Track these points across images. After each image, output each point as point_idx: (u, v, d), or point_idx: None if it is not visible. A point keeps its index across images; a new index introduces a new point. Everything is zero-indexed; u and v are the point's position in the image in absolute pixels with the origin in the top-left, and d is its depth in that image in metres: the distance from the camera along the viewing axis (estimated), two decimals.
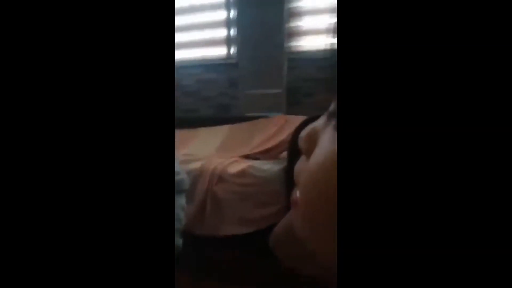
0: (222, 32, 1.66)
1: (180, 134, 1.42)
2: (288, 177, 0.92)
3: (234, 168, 0.97)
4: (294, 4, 1.50)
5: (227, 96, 1.65)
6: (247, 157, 1.14)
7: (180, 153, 1.31)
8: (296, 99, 1.52)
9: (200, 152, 1.24)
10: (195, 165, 1.01)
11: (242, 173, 0.95)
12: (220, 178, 0.95)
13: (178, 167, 0.46)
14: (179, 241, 0.43)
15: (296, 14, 1.50)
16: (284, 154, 1.06)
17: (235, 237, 0.88)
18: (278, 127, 1.29)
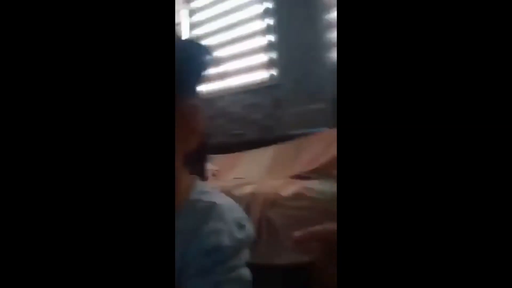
0: (262, 57, 1.69)
1: (228, 158, 1.44)
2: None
3: (287, 191, 0.94)
4: (330, 16, 1.48)
5: (272, 117, 1.65)
6: (298, 177, 1.11)
7: (230, 177, 1.32)
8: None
9: (249, 174, 1.23)
10: (247, 189, 1.00)
11: (296, 196, 0.91)
12: (274, 202, 0.93)
13: (242, 214, 0.39)
14: None
15: (334, 25, 1.47)
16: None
17: (292, 266, 0.83)
18: (326, 143, 1.24)
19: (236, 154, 1.45)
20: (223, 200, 0.39)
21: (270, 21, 1.66)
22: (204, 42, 1.84)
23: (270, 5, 1.66)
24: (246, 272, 0.38)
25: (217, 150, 1.40)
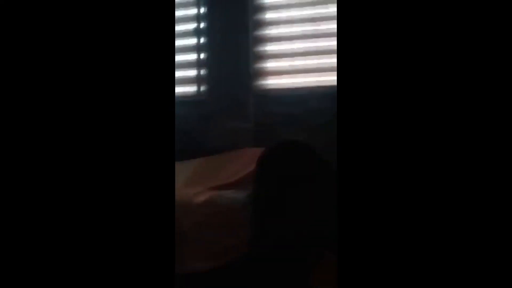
0: (192, 72, 1.73)
1: None
2: (255, 204, 0.93)
3: (199, 198, 0.96)
4: (260, 48, 1.63)
5: (197, 130, 1.67)
6: (214, 188, 1.14)
7: None
8: (262, 133, 1.57)
9: None
10: None
11: (207, 203, 0.94)
12: (186, 209, 0.94)
13: None
14: None
15: (261, 57, 1.62)
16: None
17: (201, 274, 0.84)
18: (245, 160, 1.32)
19: None
20: None
21: (202, 38, 1.73)
22: None
23: (202, 24, 1.74)
24: None
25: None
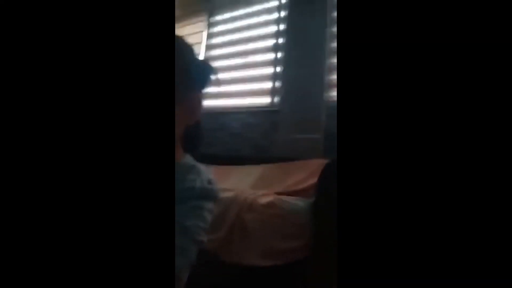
0: (267, 84, 1.83)
1: (219, 169, 1.52)
2: (315, 213, 0.93)
3: (264, 199, 1.01)
4: (333, 60, 1.63)
5: (267, 138, 1.74)
6: (279, 194, 1.17)
7: (219, 187, 1.38)
8: (333, 144, 1.55)
9: (235, 186, 1.30)
10: (228, 194, 1.07)
11: (271, 204, 0.98)
12: (250, 207, 0.99)
13: (212, 177, 0.52)
14: (204, 237, 0.48)
15: (334, 69, 1.61)
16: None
17: (258, 268, 0.88)
18: (311, 171, 1.32)
19: (228, 167, 1.52)
20: (201, 166, 0.52)
21: (279, 53, 1.82)
22: (216, 62, 2.01)
23: (280, 39, 1.83)
24: (207, 216, 0.47)
25: (212, 160, 1.47)
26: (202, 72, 0.54)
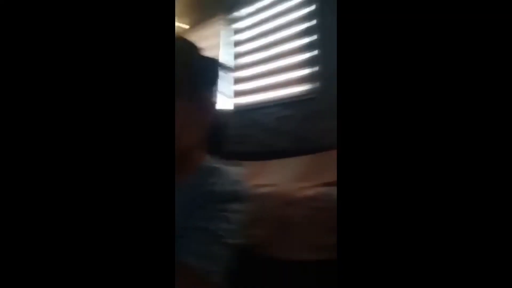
0: (302, 72, 1.75)
1: (254, 166, 1.48)
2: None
3: (306, 192, 0.94)
4: None
5: (303, 129, 1.66)
6: (321, 185, 1.10)
7: (254, 182, 1.35)
8: None
9: (274, 181, 1.25)
10: (266, 189, 1.01)
11: (313, 197, 0.91)
12: (292, 201, 0.93)
13: (239, 177, 0.48)
14: (236, 238, 0.44)
15: None
16: None
17: (303, 263, 0.82)
18: None
19: (264, 162, 1.47)
20: (224, 167, 0.49)
21: (313, 37, 1.72)
22: (245, 58, 1.96)
23: (314, 22, 1.73)
24: (235, 217, 0.43)
25: (244, 157, 1.44)
26: (210, 69, 0.51)
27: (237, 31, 2.12)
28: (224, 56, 2.06)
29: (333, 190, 0.94)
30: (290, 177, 1.30)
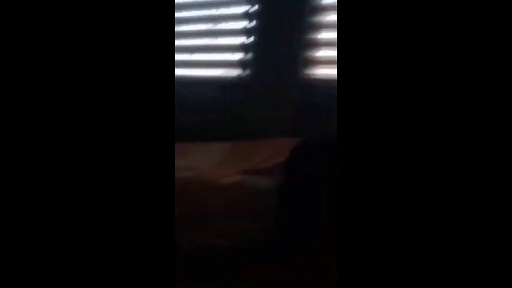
0: (238, 56, 1.72)
1: (180, 147, 1.43)
2: (280, 195, 0.89)
3: (229, 179, 0.95)
4: (312, 36, 1.55)
5: (236, 114, 1.67)
6: (245, 172, 1.12)
7: (179, 163, 1.30)
8: (302, 124, 1.52)
9: (199, 163, 1.23)
10: (189, 173, 0.99)
11: (235, 183, 0.93)
12: (213, 187, 0.93)
13: None
14: None
15: (312, 44, 1.54)
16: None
17: (221, 248, 0.84)
18: (280, 149, 1.28)
19: (192, 143, 1.44)
20: None
21: (252, 23, 1.70)
22: (184, 26, 1.83)
23: (253, 7, 1.70)
24: None
25: (177, 136, 1.38)
26: None
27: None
28: None
29: (253, 178, 0.97)
30: (211, 162, 1.30)
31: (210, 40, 1.82)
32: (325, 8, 1.52)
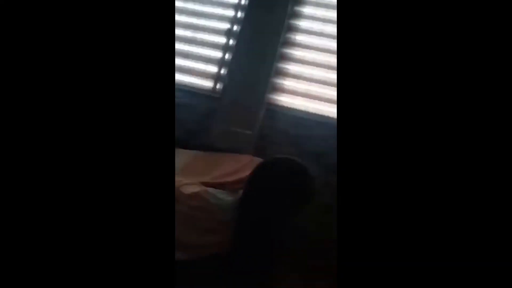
0: (213, 68, 1.76)
1: None
2: (240, 210, 0.93)
3: (189, 190, 0.96)
4: (282, 65, 1.66)
5: (203, 125, 1.68)
6: (205, 184, 1.14)
7: None
8: (263, 144, 1.59)
9: None
10: None
11: (195, 196, 0.94)
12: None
13: None
14: None
15: (281, 74, 1.65)
16: (241, 191, 1.08)
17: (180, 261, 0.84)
18: (241, 165, 1.32)
19: None
20: None
21: (231, 40, 1.76)
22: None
23: (235, 27, 1.77)
24: None
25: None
26: None
27: None
28: None
29: (212, 191, 1.00)
30: (180, 171, 1.30)
31: (188, 48, 1.83)
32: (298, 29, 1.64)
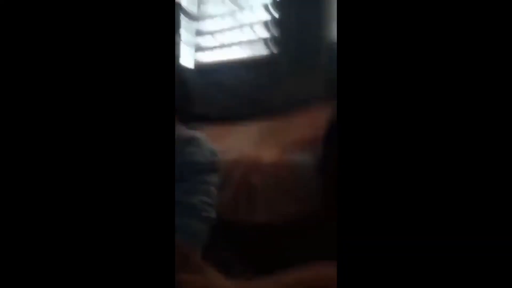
0: (262, 33, 1.68)
1: (216, 131, 1.46)
2: (322, 169, 0.89)
3: (270, 159, 0.97)
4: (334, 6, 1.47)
5: (265, 92, 1.66)
6: (283, 150, 1.13)
7: (218, 146, 1.34)
8: (333, 89, 1.47)
9: (237, 145, 1.26)
10: (232, 155, 1.03)
11: (276, 164, 0.94)
12: (255, 167, 0.96)
13: (214, 147, 0.51)
14: (213, 213, 0.46)
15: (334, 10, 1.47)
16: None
17: (267, 226, 0.88)
18: (315, 121, 1.26)
19: (226, 125, 1.46)
20: (199, 135, 0.48)
21: None
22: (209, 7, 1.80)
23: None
24: (213, 190, 0.45)
25: (207, 120, 1.41)
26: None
27: None
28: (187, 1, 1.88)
29: (294, 156, 0.98)
30: (251, 143, 1.32)
31: (231, 22, 1.79)
32: None
